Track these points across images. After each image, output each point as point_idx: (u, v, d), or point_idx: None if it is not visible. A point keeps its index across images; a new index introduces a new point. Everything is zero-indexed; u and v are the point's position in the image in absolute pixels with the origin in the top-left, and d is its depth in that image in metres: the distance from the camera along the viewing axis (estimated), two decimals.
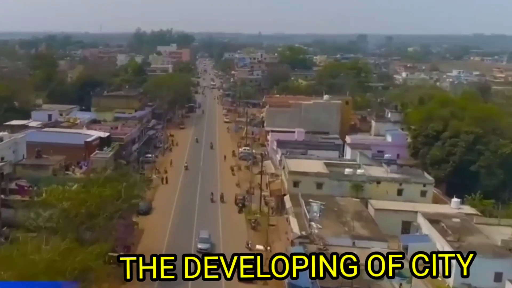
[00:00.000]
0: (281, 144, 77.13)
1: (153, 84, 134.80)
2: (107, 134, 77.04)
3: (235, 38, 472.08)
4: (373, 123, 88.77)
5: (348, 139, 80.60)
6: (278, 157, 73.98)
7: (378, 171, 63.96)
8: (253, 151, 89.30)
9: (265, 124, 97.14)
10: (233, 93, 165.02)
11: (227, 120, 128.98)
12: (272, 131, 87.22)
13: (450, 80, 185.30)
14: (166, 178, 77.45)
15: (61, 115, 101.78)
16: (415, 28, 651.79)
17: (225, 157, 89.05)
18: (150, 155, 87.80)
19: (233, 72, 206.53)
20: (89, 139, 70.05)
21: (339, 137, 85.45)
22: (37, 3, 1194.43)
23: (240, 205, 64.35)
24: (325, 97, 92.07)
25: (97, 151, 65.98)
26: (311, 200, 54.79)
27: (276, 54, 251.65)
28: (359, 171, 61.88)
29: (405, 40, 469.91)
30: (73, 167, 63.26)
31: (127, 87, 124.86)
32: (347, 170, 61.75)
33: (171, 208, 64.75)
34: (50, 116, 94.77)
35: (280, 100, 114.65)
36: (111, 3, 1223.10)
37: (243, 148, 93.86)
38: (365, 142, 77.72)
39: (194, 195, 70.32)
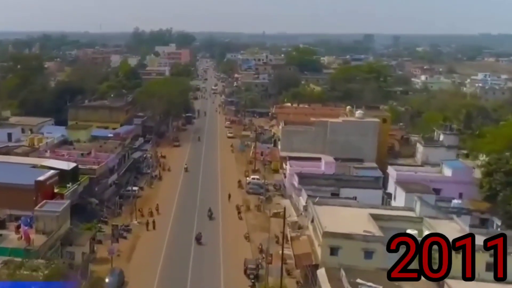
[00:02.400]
0: (304, 179, 57.75)
1: (145, 91, 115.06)
2: (72, 165, 57.93)
3: (236, 37, 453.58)
4: (419, 147, 68.83)
5: (392, 172, 60.46)
6: (301, 199, 54.58)
7: (449, 229, 44.40)
8: (265, 181, 70.43)
9: (279, 147, 77.55)
10: (236, 100, 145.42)
11: (230, 134, 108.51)
12: (290, 158, 67.67)
13: (480, 85, 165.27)
14: (153, 222, 58.47)
15: (30, 130, 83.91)
16: (420, 28, 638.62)
17: (229, 196, 67.58)
18: (132, 188, 67.73)
19: (236, 75, 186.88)
20: (42, 177, 50.42)
21: (377, 166, 66.13)
22: (36, 2, 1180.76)
23: (252, 277, 44.79)
24: (358, 113, 72.17)
25: (46, 201, 46.09)
26: (360, 281, 36.15)
27: (282, 55, 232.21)
28: (427, 233, 42.37)
29: (412, 40, 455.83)
30: (13, 223, 44.11)
31: (112, 95, 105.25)
32: (410, 232, 42.29)
33: (153, 280, 45.49)
34: (10, 135, 76.06)
35: (294, 112, 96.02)
36: (111, 2, 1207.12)
37: (252, 177, 74.41)
38: (416, 177, 58.07)
39: (188, 256, 51.03)
